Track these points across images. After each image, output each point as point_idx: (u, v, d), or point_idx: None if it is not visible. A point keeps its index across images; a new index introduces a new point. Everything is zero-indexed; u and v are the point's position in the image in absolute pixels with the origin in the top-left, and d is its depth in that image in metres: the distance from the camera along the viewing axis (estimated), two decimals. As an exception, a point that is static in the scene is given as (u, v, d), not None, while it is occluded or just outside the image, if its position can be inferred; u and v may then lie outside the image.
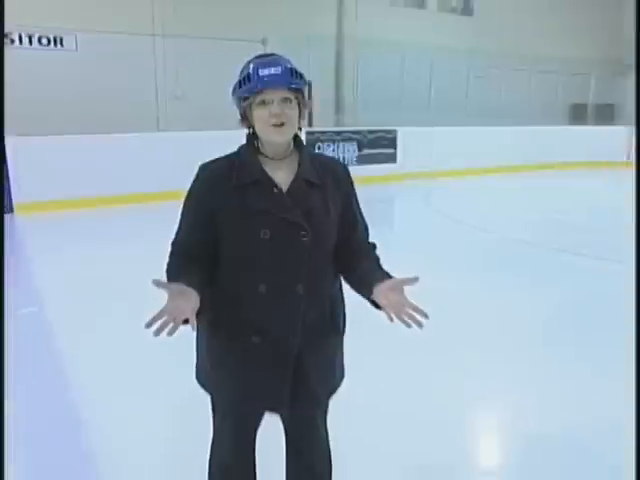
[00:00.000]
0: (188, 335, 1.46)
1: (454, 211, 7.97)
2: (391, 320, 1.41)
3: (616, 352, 3.12)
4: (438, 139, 10.92)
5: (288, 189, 1.56)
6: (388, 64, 11.12)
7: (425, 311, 1.36)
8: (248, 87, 1.49)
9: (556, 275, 4.80)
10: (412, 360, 3.11)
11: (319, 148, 9.73)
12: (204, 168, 1.61)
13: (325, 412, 1.83)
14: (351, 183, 1.69)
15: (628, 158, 12.96)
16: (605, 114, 13.98)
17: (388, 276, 1.54)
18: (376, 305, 1.53)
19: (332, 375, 1.77)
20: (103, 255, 5.18)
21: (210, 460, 1.86)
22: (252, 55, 1.51)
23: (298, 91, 1.51)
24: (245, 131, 1.58)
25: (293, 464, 1.92)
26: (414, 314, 1.37)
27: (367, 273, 1.58)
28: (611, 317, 3.73)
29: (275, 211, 1.53)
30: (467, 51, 12.04)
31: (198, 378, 1.77)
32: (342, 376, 1.78)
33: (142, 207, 7.40)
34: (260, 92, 1.47)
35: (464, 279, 4.56)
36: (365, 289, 1.54)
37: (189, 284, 1.41)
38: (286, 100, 1.49)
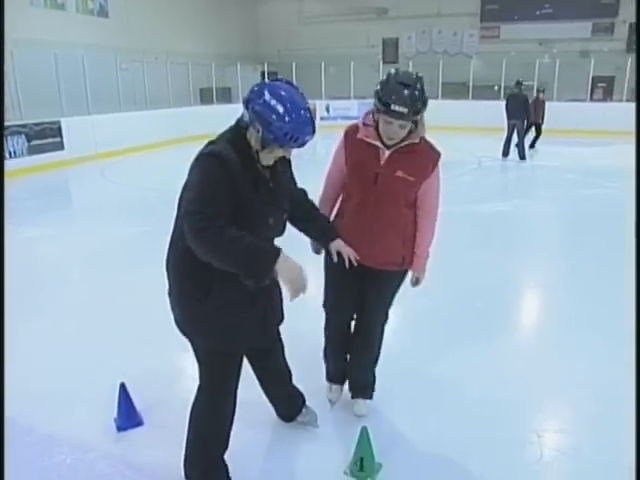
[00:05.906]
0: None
1: (125, 179, 10.14)
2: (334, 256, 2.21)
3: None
4: (99, 125, 11.79)
5: (274, 183, 1.86)
6: (43, 62, 11.41)
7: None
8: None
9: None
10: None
11: (-11, 144, 8.77)
12: (218, 154, 1.68)
13: None
14: (290, 163, 2.04)
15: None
16: (225, 95, 17.12)
17: (335, 231, 2.21)
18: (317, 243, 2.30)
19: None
20: None
21: (199, 405, 2.10)
22: None
23: None
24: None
25: (265, 374, 2.38)
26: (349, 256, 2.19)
27: (325, 229, 2.21)
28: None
29: (274, 202, 1.85)
30: (111, 47, 13.39)
31: (194, 333, 1.97)
32: None
33: None
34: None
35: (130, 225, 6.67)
36: (324, 239, 2.20)
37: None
38: None
